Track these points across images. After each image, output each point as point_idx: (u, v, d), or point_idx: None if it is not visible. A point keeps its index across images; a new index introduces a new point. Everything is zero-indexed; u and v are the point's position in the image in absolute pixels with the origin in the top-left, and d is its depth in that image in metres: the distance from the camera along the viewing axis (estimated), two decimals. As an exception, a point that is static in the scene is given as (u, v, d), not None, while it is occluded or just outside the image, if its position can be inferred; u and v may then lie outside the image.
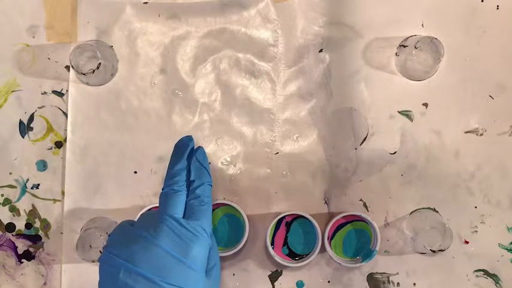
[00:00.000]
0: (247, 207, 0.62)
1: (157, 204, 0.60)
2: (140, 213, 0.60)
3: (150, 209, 0.61)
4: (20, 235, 0.63)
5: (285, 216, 0.61)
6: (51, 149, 0.63)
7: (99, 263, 0.50)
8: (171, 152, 0.55)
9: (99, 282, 0.49)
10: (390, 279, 0.62)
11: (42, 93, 0.63)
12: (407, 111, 0.63)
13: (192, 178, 0.53)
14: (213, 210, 0.61)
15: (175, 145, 0.55)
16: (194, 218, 0.50)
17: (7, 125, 0.63)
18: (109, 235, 0.51)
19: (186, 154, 0.54)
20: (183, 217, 0.51)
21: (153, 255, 0.47)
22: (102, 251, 0.58)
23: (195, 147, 0.56)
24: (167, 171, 0.54)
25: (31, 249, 0.63)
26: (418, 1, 0.63)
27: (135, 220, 0.53)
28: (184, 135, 0.56)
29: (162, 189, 0.53)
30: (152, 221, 0.50)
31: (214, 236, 0.61)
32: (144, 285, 0.46)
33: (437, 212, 0.62)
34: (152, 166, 0.63)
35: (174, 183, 0.52)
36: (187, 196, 0.52)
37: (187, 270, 0.48)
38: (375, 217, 0.62)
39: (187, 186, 0.53)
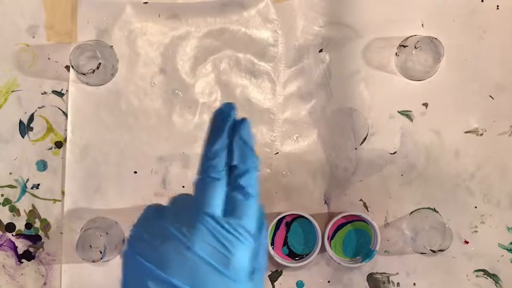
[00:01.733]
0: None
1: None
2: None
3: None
4: (20, 235, 0.63)
5: (285, 216, 0.61)
6: (51, 149, 0.63)
7: (122, 258, 0.42)
8: (208, 126, 0.42)
9: (123, 283, 0.42)
10: (390, 279, 0.62)
11: (42, 93, 0.63)
12: (407, 111, 0.63)
13: (234, 162, 0.40)
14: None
15: (214, 116, 0.42)
16: (236, 215, 0.40)
17: (7, 125, 0.63)
18: (134, 226, 0.41)
19: (227, 128, 0.41)
20: (224, 213, 0.40)
21: (188, 262, 0.38)
22: (101, 251, 0.58)
23: (237, 118, 0.43)
24: (203, 151, 0.42)
25: (31, 249, 0.63)
26: (418, 1, 0.63)
27: (165, 205, 0.43)
28: (223, 103, 0.42)
29: (198, 175, 0.42)
30: (186, 215, 0.40)
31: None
32: None
33: (437, 212, 0.62)
34: (152, 166, 0.63)
35: (212, 168, 0.41)
36: (228, 184, 0.41)
37: (228, 281, 0.38)
38: (375, 217, 0.62)
39: (228, 171, 0.41)
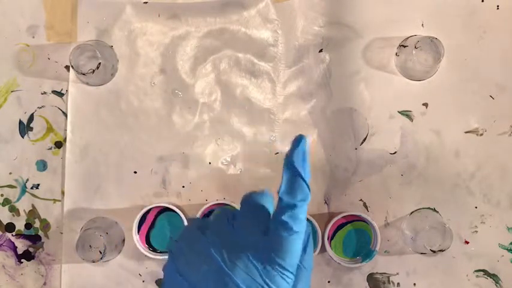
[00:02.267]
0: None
1: (158, 204, 0.60)
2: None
3: (150, 209, 0.60)
4: (19, 235, 0.63)
5: (285, 216, 0.61)
6: (51, 149, 0.63)
7: (163, 272, 0.41)
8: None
9: None
10: (390, 279, 0.62)
11: (42, 93, 0.63)
12: (407, 111, 0.63)
13: (280, 193, 0.36)
14: (213, 210, 0.61)
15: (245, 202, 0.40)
16: (278, 254, 0.36)
17: (7, 125, 0.63)
18: (176, 240, 0.40)
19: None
20: (266, 242, 0.37)
21: None
22: (101, 251, 0.58)
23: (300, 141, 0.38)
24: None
25: (31, 249, 0.63)
26: (418, 1, 0.63)
27: (208, 220, 0.41)
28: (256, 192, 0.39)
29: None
30: (229, 241, 0.38)
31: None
32: None
33: (437, 212, 0.62)
34: (152, 166, 0.63)
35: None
36: (274, 214, 0.38)
37: None
38: (375, 217, 0.62)
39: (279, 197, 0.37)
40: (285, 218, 0.36)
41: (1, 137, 0.63)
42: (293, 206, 0.36)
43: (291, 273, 0.36)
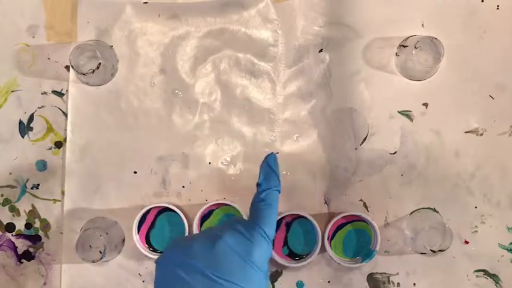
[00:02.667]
0: (247, 207, 0.61)
1: (158, 204, 0.60)
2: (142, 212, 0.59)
3: (150, 209, 0.60)
4: (20, 235, 0.63)
5: (285, 216, 0.61)
6: (51, 149, 0.63)
7: (155, 264, 0.47)
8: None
9: (155, 280, 0.46)
10: (390, 279, 0.62)
11: (42, 93, 0.63)
12: (407, 111, 0.63)
13: (259, 181, 0.50)
14: (213, 210, 0.61)
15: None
16: (259, 220, 0.48)
17: (7, 125, 0.63)
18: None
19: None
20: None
21: (215, 251, 0.45)
22: (101, 251, 0.58)
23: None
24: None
25: (31, 250, 0.63)
26: (418, 1, 0.63)
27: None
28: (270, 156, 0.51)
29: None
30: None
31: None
32: (202, 281, 0.43)
33: (437, 212, 0.62)
34: (152, 166, 0.63)
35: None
36: (254, 201, 0.50)
37: (250, 269, 0.45)
38: (375, 217, 0.62)
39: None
40: (263, 196, 0.49)
41: (1, 137, 0.63)
42: (268, 189, 0.49)
43: (268, 236, 0.47)
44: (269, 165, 0.50)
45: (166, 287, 0.44)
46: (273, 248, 0.61)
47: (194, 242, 0.45)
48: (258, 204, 0.49)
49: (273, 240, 0.48)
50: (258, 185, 0.50)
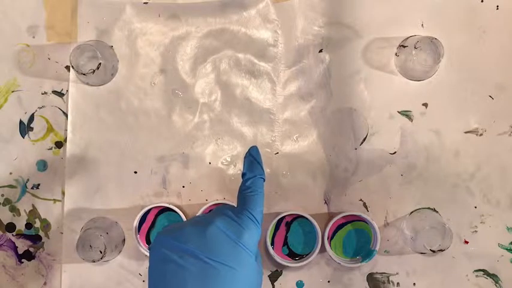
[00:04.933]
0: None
1: (158, 204, 0.60)
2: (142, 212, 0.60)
3: (150, 209, 0.61)
4: (20, 235, 0.63)
5: (285, 216, 0.61)
6: (51, 149, 0.63)
7: (149, 250, 0.48)
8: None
9: (149, 266, 0.47)
10: (390, 279, 0.62)
11: (43, 94, 0.63)
12: (407, 111, 0.63)
13: (244, 171, 0.52)
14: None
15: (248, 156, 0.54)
16: (245, 206, 0.49)
17: (7, 125, 0.63)
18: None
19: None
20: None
21: (207, 234, 0.46)
22: (102, 251, 0.58)
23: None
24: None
25: (31, 249, 0.63)
26: (418, 1, 0.63)
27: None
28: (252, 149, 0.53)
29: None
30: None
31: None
32: (195, 264, 0.44)
33: (437, 212, 0.62)
34: (152, 166, 0.63)
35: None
36: (240, 190, 0.51)
37: (241, 250, 0.46)
38: (375, 217, 0.62)
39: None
40: (248, 184, 0.50)
41: (1, 137, 0.63)
42: (253, 177, 0.50)
43: (256, 220, 0.48)
44: (252, 155, 0.52)
45: (160, 272, 0.45)
46: (273, 248, 0.61)
47: (186, 227, 0.47)
48: (245, 192, 0.50)
49: (261, 224, 0.49)
50: (243, 174, 0.51)
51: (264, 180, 0.51)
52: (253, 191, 0.50)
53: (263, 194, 0.51)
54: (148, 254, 0.60)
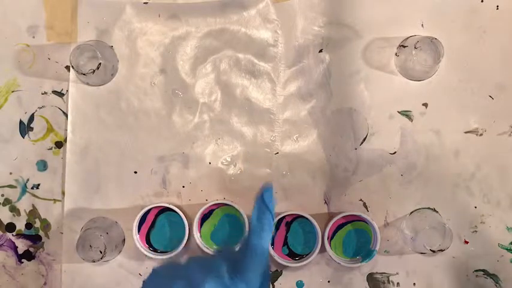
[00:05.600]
0: (247, 207, 0.62)
1: (158, 204, 0.60)
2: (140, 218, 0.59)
3: (150, 209, 0.61)
4: (20, 235, 0.63)
5: (285, 216, 0.61)
6: (51, 149, 0.63)
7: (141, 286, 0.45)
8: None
9: None
10: (390, 279, 0.62)
11: (43, 94, 0.63)
12: (407, 111, 0.63)
13: (252, 217, 0.44)
14: (213, 210, 0.62)
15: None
16: (242, 269, 0.43)
17: (7, 125, 0.63)
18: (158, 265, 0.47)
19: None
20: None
21: None
22: (102, 251, 0.58)
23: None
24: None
25: (31, 249, 0.63)
26: (418, 1, 0.63)
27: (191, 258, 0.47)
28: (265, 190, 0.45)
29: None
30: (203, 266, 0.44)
31: (214, 235, 0.61)
32: None
33: (437, 212, 0.62)
34: (152, 166, 0.63)
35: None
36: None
37: None
38: (375, 217, 0.62)
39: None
40: (254, 240, 0.43)
41: (1, 137, 0.63)
42: (261, 230, 0.43)
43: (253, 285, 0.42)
44: (264, 202, 0.44)
45: None
46: (273, 248, 0.61)
47: (174, 285, 0.42)
48: (247, 251, 0.44)
49: (273, 240, 0.45)
50: (251, 221, 0.45)
51: (272, 232, 0.45)
52: (256, 252, 0.44)
53: (268, 252, 0.45)
54: (148, 254, 0.60)
